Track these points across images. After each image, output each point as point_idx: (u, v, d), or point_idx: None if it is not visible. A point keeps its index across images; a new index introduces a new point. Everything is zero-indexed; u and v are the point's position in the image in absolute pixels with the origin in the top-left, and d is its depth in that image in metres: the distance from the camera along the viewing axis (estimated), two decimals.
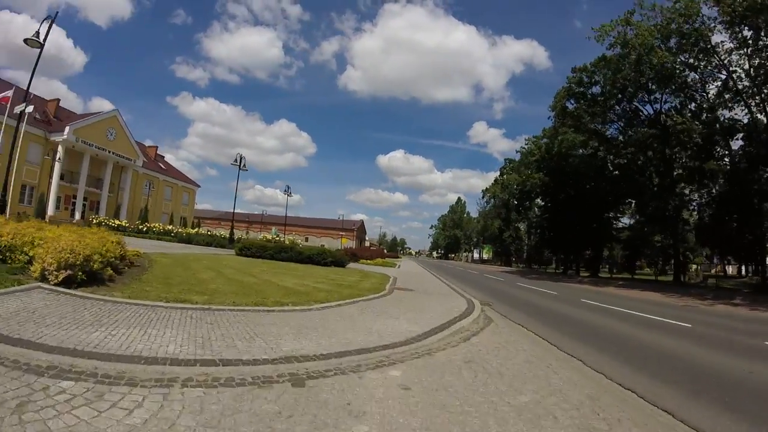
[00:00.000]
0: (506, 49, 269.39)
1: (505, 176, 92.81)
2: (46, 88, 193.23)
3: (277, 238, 37.63)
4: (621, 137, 43.24)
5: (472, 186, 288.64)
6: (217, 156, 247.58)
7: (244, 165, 36.55)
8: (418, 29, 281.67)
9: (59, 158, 46.43)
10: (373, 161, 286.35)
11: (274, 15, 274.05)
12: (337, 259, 24.84)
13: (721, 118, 35.52)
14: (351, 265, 27.51)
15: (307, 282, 14.09)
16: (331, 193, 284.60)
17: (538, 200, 76.94)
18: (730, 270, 64.84)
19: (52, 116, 51.54)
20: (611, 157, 41.92)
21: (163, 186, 68.02)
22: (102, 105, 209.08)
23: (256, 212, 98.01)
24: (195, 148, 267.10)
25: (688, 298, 23.39)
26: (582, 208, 46.98)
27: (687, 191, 40.48)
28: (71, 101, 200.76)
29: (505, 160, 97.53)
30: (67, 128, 46.71)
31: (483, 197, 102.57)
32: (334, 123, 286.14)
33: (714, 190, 37.83)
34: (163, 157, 76.96)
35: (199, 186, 77.05)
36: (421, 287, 17.34)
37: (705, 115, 36.57)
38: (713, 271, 60.99)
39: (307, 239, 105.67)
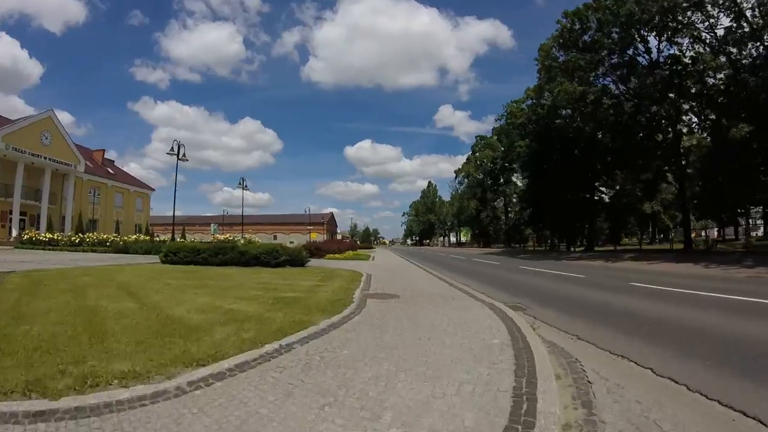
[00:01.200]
0: (470, 30, 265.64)
1: (477, 154, 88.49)
2: (4, 105, 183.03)
3: (220, 238, 32.15)
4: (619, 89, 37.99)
5: (441, 171, 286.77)
6: (183, 160, 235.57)
7: (184, 154, 31.22)
8: (380, 14, 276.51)
9: None
10: (341, 153, 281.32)
11: (233, 8, 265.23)
12: (293, 257, 19.14)
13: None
14: (314, 262, 21.95)
15: (222, 302, 8.20)
16: (301, 188, 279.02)
17: (515, 178, 72.96)
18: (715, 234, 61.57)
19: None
20: (612, 112, 36.11)
21: (113, 192, 61.43)
22: (62, 117, 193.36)
23: (227, 214, 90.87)
24: (160, 154, 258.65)
25: (729, 267, 19.32)
26: (570, 179, 42.22)
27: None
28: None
29: (476, 137, 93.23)
30: None
31: (456, 178, 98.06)
32: (299, 117, 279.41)
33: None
34: (113, 161, 70.14)
35: (153, 189, 70.46)
36: (407, 288, 11.67)
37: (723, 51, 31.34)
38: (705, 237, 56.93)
39: (275, 237, 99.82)
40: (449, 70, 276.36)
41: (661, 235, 68.14)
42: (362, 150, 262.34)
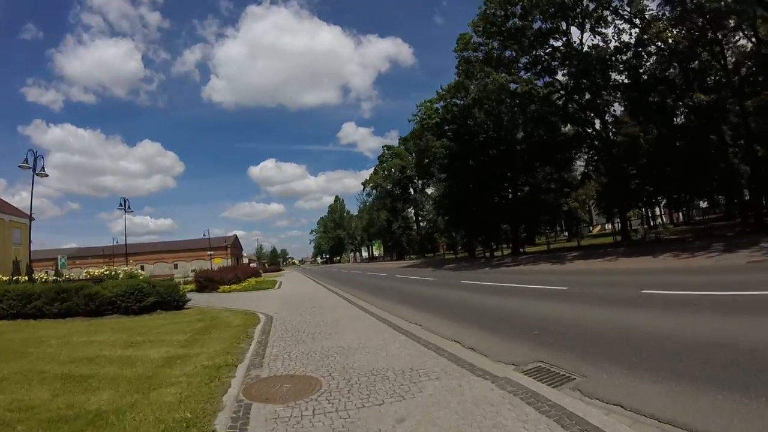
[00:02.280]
0: (372, 48, 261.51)
1: (385, 164, 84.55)
2: None
3: (61, 276, 25.05)
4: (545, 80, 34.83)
5: (346, 186, 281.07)
6: (79, 187, 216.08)
7: (43, 168, 23.25)
8: (283, 32, 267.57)
9: None
10: (245, 174, 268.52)
11: (132, 24, 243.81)
12: (165, 297, 13.40)
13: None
14: (203, 298, 16.51)
15: None
16: (204, 212, 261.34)
17: (429, 184, 69.56)
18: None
19: None
20: (540, 104, 32.86)
21: None
22: None
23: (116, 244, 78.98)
24: (54, 182, 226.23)
25: (705, 257, 16.28)
26: (490, 178, 38.92)
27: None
28: None
29: (383, 147, 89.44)
30: None
31: (364, 189, 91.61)
32: (200, 138, 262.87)
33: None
34: None
35: (33, 218, 58.83)
36: (332, 350, 6.55)
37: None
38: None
39: (176, 266, 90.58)
40: (352, 88, 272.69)
41: (567, 233, 67.36)
42: (266, 169, 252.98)
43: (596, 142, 35.13)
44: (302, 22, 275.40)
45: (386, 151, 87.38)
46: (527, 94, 32.46)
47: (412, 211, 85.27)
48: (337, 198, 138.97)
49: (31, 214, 24.57)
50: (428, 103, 44.89)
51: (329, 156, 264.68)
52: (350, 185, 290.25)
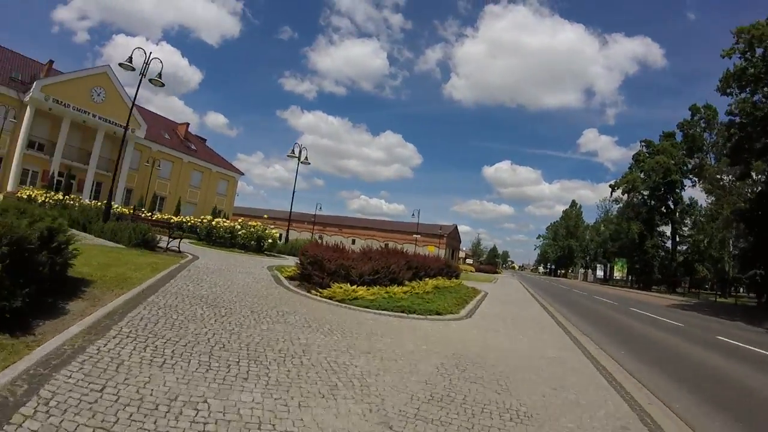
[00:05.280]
0: (618, 48, 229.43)
1: (644, 162, 66.42)
2: (163, 103, 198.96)
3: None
4: None
5: (581, 197, 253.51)
6: (326, 166, 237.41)
7: (306, 157, 26.93)
8: (523, 30, 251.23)
9: (13, 117, 31.96)
10: (479, 172, 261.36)
11: (377, 25, 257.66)
12: None
13: None
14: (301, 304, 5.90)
15: None
16: (436, 203, 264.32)
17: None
18: None
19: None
20: None
21: (188, 169, 50.35)
22: (216, 119, 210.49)
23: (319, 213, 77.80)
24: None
25: None
26: None
27: None
28: (188, 116, 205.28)
29: (640, 143, 70.97)
30: (34, 84, 34.05)
31: (612, 193, 72.94)
32: (439, 133, 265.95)
33: None
34: (205, 140, 59.86)
35: (242, 173, 58.86)
36: None
37: None
38: None
39: (386, 245, 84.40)
40: (596, 92, 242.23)
41: None
42: (501, 170, 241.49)
43: None
44: (542, 20, 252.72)
45: (644, 150, 68.74)
46: None
47: (669, 228, 65.83)
48: (573, 203, 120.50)
49: (293, 193, 25.43)
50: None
51: (566, 163, 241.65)
52: (586, 197, 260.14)
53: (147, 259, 11.02)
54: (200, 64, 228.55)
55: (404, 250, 16.21)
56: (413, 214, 59.90)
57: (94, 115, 37.87)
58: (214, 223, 21.09)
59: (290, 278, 11.45)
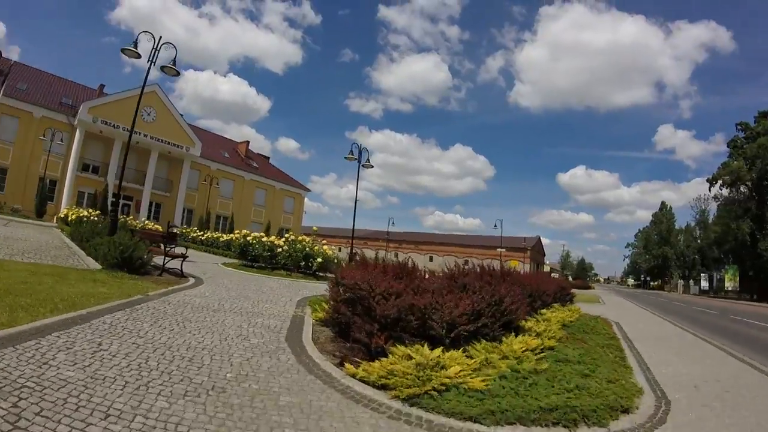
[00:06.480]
0: (683, 36, 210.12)
1: (744, 148, 55.31)
2: (236, 132, 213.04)
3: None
4: None
5: (663, 200, 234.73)
6: (398, 184, 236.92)
7: (368, 160, 22.89)
8: (582, 29, 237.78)
9: (61, 140, 32.24)
10: (553, 180, 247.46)
11: (435, 39, 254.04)
12: None
13: None
14: None
15: None
16: (512, 215, 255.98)
17: None
18: None
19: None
20: None
21: (252, 187, 47.60)
22: (288, 144, 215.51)
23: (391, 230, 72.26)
24: (375, 178, 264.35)
25: None
26: None
27: None
28: (260, 142, 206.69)
29: (736, 126, 60.32)
30: (81, 107, 33.66)
31: (710, 189, 61.43)
32: (509, 143, 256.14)
33: None
34: (268, 158, 57.40)
35: (308, 190, 55.54)
36: None
37: None
38: None
39: (466, 262, 77.93)
40: (666, 84, 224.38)
41: None
42: (576, 177, 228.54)
43: None
44: (600, 15, 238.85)
45: (740, 135, 58.58)
46: None
47: None
48: (663, 205, 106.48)
49: (356, 200, 22.79)
50: None
51: (644, 164, 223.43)
52: (669, 200, 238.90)
53: (83, 287, 6.64)
54: (268, 92, 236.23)
55: (492, 267, 10.49)
56: (495, 225, 53.63)
57: (145, 135, 36.20)
58: (250, 238, 16.58)
59: (322, 322, 6.47)
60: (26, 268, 7.93)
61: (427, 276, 6.45)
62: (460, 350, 4.84)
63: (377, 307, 4.72)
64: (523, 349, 5.59)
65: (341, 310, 5.20)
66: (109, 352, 3.99)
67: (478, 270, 8.18)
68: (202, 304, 7.04)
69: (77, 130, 33.99)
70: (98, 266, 9.69)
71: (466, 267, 8.42)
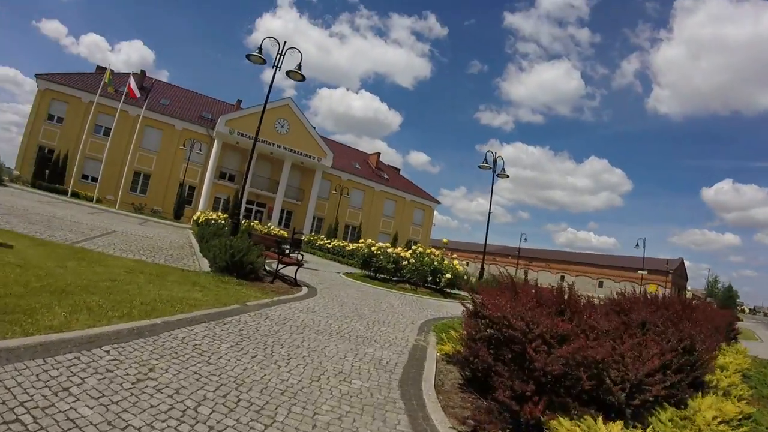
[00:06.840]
0: None
1: None
2: (369, 145, 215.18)
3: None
4: None
5: None
6: (529, 198, 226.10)
7: (503, 169, 22.05)
8: (723, 22, 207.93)
9: (199, 149, 35.41)
10: (697, 195, 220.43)
11: (565, 44, 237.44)
12: None
13: None
14: None
15: None
16: (650, 234, 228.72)
17: None
18: None
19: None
20: None
21: (381, 198, 47.76)
22: (419, 158, 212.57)
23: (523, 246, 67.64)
24: (505, 192, 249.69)
25: None
26: None
27: None
28: (391, 156, 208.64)
29: None
30: (219, 119, 35.88)
31: None
32: (648, 154, 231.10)
33: None
34: (399, 170, 57.44)
35: (438, 202, 54.37)
36: None
37: None
38: None
39: (601, 284, 71.94)
40: None
41: None
42: (721, 192, 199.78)
43: None
44: (741, 5, 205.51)
45: None
46: None
47: None
48: None
49: (490, 211, 22.25)
50: None
51: None
52: None
53: (175, 291, 6.11)
54: (398, 107, 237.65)
55: (639, 294, 8.07)
56: (637, 245, 48.61)
57: (279, 146, 38.03)
58: (374, 249, 15.71)
59: (450, 359, 5.15)
60: (126, 265, 7.55)
61: (592, 305, 4.73)
62: (649, 429, 3.23)
63: (536, 357, 3.25)
64: (719, 420, 3.79)
65: (480, 354, 3.76)
66: (156, 385, 3.00)
67: (647, 298, 6.34)
68: (305, 323, 6.02)
69: (215, 141, 36.36)
70: (209, 269, 9.25)
71: (624, 292, 6.62)
